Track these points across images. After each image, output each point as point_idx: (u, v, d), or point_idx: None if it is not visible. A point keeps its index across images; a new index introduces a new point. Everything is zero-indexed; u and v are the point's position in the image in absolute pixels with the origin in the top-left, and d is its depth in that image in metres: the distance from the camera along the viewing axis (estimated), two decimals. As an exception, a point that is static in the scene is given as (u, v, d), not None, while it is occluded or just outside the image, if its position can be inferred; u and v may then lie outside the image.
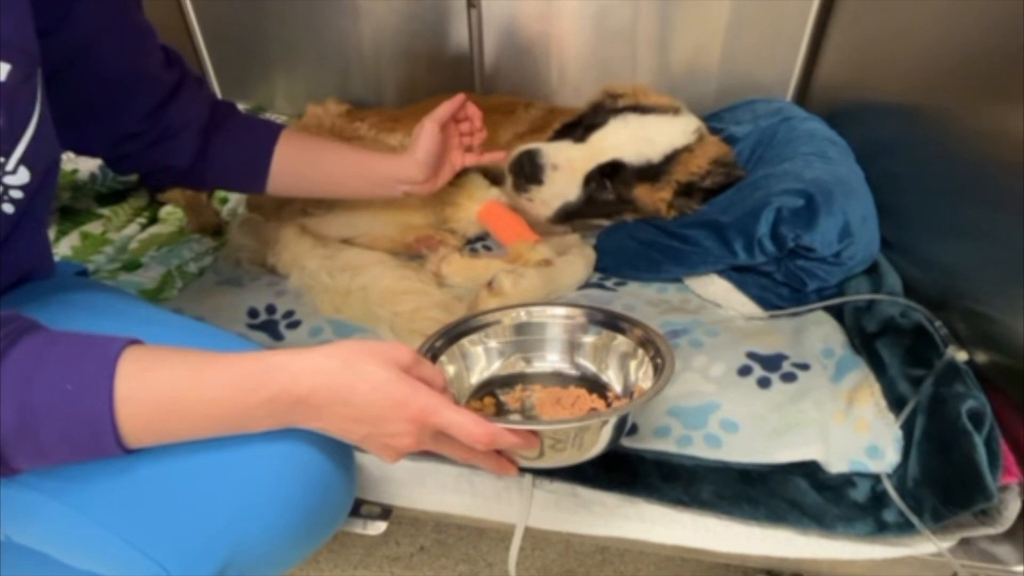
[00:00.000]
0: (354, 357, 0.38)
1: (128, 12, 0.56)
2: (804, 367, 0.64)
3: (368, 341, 0.40)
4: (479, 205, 0.88)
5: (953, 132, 0.68)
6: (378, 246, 0.87)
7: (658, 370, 0.50)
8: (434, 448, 0.42)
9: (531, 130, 0.99)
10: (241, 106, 1.28)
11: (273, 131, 0.67)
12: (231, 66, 1.30)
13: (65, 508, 0.38)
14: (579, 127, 0.83)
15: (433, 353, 0.54)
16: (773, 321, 0.73)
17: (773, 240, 0.71)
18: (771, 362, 0.65)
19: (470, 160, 0.75)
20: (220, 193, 1.03)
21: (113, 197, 1.00)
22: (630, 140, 0.78)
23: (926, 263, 0.71)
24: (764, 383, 0.62)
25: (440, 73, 1.21)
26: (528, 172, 0.77)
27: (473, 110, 0.73)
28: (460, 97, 0.70)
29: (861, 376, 0.61)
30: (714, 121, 1.00)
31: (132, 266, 0.85)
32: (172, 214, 1.00)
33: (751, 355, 0.66)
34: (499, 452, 0.45)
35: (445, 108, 0.69)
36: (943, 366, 0.56)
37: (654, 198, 0.80)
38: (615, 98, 0.84)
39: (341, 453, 0.45)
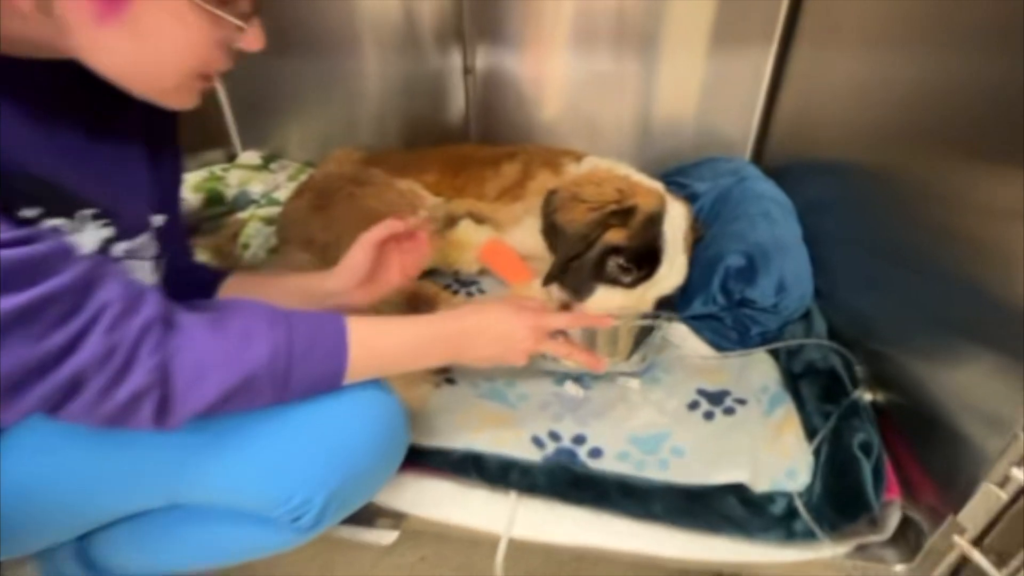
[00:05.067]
0: (482, 305, 0.64)
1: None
2: (743, 402, 0.77)
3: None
4: (478, 246, 1.01)
5: (873, 195, 0.80)
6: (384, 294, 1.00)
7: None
8: (546, 347, 0.64)
9: (514, 184, 1.11)
10: (257, 153, 1.44)
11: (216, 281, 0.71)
12: (250, 117, 1.44)
13: (224, 457, 0.54)
14: (592, 254, 0.84)
15: None
16: (723, 360, 0.86)
17: (723, 293, 0.85)
18: (716, 398, 0.78)
19: (397, 281, 0.75)
20: (243, 240, 1.16)
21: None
22: (673, 275, 0.85)
23: (846, 310, 0.84)
24: (709, 416, 0.75)
25: (439, 125, 1.35)
26: None
27: (421, 236, 0.75)
28: (402, 223, 0.72)
29: (787, 411, 0.74)
30: (681, 176, 1.15)
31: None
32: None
33: (700, 391, 0.79)
34: (590, 354, 0.69)
35: (381, 230, 0.71)
36: (848, 404, 0.69)
37: None
38: (624, 215, 0.83)
39: (400, 409, 0.60)
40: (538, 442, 0.72)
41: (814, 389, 0.73)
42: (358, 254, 0.71)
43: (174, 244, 0.66)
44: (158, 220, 0.61)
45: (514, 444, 0.71)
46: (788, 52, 1.11)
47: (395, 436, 0.60)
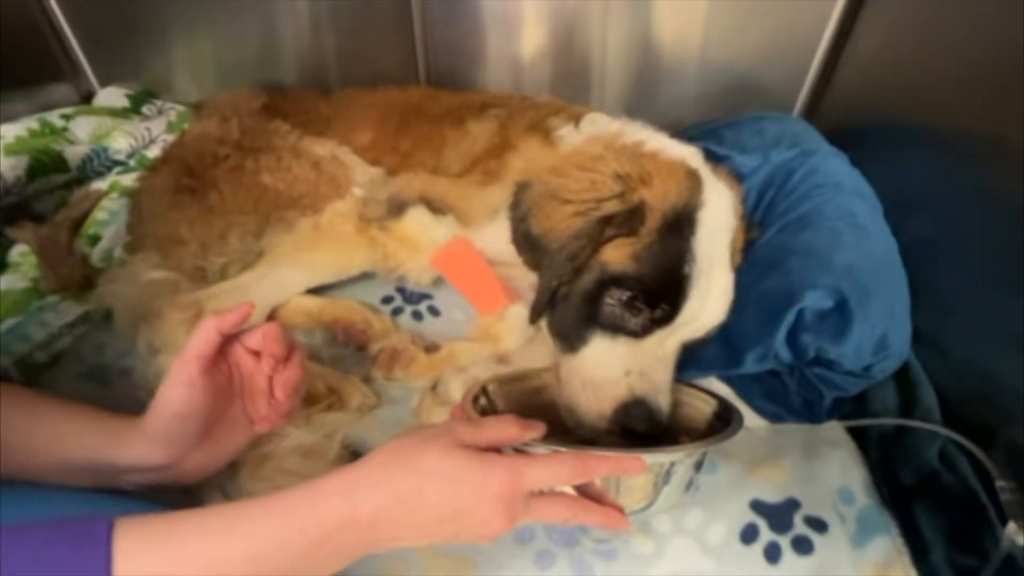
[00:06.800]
0: (411, 454, 0.36)
1: None
2: (820, 525, 0.52)
3: (418, 431, 0.38)
4: (434, 247, 0.69)
5: (1005, 186, 0.54)
6: (291, 321, 0.69)
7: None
8: (531, 519, 0.39)
9: (485, 154, 0.77)
10: (122, 90, 1.03)
11: None
12: (109, 35, 1.01)
13: None
14: (583, 283, 0.55)
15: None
16: (779, 436, 0.60)
17: (790, 347, 0.56)
18: (780, 517, 0.52)
19: (268, 423, 0.45)
20: (90, 229, 0.80)
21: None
22: (709, 308, 0.55)
23: (968, 370, 0.58)
24: (773, 554, 0.50)
25: (380, 56, 0.98)
26: (652, 429, 0.52)
27: (271, 331, 0.44)
28: (234, 314, 0.41)
29: (891, 548, 0.49)
30: (712, 140, 0.82)
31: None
32: (27, 258, 0.77)
33: (756, 506, 0.53)
34: (603, 504, 0.42)
35: (204, 337, 0.40)
36: (1000, 559, 0.44)
37: None
38: (627, 218, 0.53)
39: None
40: (515, 613, 0.46)
41: (939, 522, 0.48)
42: (176, 390, 0.40)
43: None
44: None
45: (477, 621, 0.45)
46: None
47: None
